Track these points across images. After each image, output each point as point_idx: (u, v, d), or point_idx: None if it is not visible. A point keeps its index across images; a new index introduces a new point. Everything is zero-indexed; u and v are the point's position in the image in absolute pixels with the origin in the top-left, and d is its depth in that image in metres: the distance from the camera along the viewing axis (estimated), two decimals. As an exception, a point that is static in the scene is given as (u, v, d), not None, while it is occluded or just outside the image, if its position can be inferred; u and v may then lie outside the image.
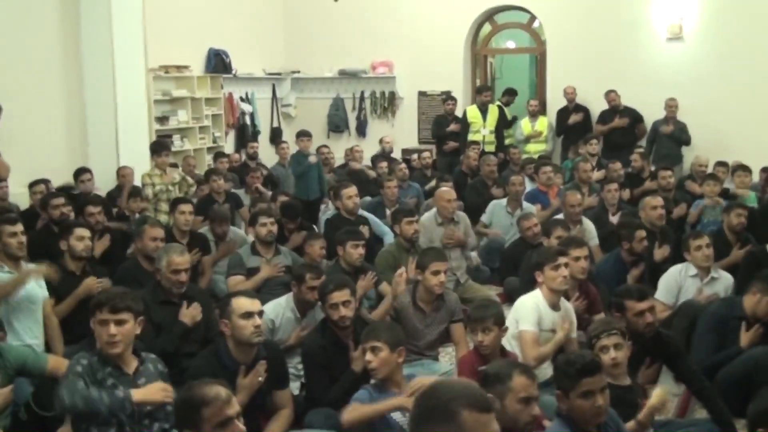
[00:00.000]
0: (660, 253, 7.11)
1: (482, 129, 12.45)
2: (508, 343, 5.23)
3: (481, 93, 12.74)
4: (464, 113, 12.68)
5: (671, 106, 11.81)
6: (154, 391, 4.00)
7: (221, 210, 8.23)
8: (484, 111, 12.53)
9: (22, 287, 5.52)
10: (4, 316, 5.37)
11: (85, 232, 6.30)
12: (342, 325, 4.96)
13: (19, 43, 9.96)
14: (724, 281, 6.40)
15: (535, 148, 12.54)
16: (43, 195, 8.67)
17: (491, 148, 12.19)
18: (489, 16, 13.92)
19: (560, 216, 8.23)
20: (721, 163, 10.40)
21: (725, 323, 5.28)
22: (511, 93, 13.89)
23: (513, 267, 7.64)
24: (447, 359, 6.20)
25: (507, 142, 13.12)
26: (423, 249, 6.44)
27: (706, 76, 12.04)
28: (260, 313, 4.54)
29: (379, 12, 13.66)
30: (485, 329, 4.72)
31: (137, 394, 3.93)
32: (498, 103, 13.45)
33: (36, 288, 5.69)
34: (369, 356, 4.23)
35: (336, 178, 10.83)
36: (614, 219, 8.69)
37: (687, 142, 11.88)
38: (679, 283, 6.31)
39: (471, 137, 12.32)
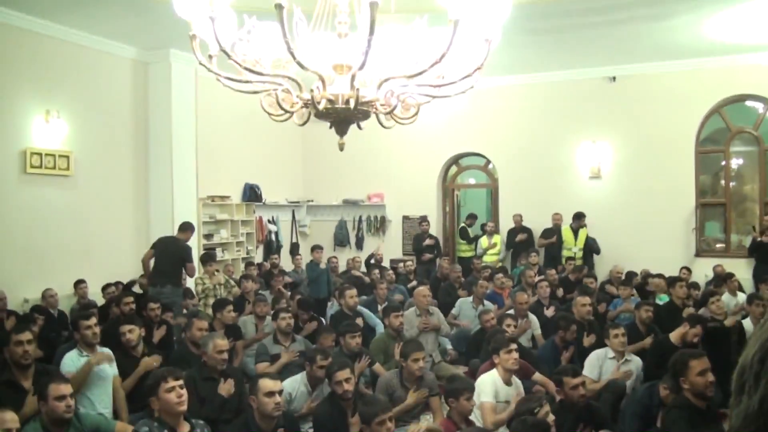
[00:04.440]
0: (587, 340, 7.09)
1: (573, 247, 12.05)
2: (472, 413, 5.19)
3: (579, 219, 12.06)
4: (560, 232, 12.16)
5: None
6: None
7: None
8: (576, 233, 12.11)
9: (90, 369, 5.48)
10: (81, 390, 5.31)
11: (128, 327, 6.16)
12: (345, 398, 4.93)
13: (102, 177, 10.14)
14: (635, 362, 6.38)
15: (490, 259, 12.62)
16: (114, 294, 8.68)
17: (580, 262, 11.64)
18: (455, 159, 14.20)
19: (511, 311, 8.24)
20: (632, 273, 10.51)
21: (649, 410, 5.25)
22: (473, 217, 14.08)
23: (476, 351, 7.60)
24: (425, 424, 6.11)
25: (469, 255, 13.23)
26: (405, 341, 6.41)
27: (617, 206, 12.28)
28: (280, 392, 4.52)
29: (374, 156, 13.91)
30: (470, 397, 4.77)
31: None
32: (483, 231, 13.61)
33: (107, 368, 5.65)
34: (389, 424, 4.28)
35: (341, 282, 10.83)
36: (548, 312, 8.73)
37: (598, 251, 12.00)
38: (600, 363, 6.30)
39: (565, 254, 12.01)
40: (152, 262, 8.93)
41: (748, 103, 11.93)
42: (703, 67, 11.54)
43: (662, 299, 9.16)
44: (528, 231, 12.75)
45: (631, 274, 10.38)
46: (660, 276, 9.68)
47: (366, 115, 3.85)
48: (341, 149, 3.88)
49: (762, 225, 11.11)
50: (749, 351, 0.64)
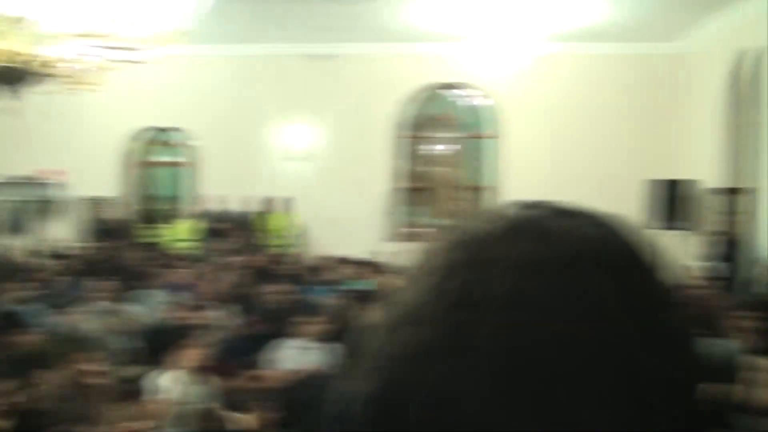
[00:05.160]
0: (276, 330, 7.02)
1: (274, 233, 11.87)
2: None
3: (272, 204, 12.13)
4: (260, 218, 12.07)
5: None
6: None
7: None
8: (275, 218, 12.06)
9: None
10: None
11: None
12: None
13: None
14: (326, 350, 6.39)
15: (181, 245, 12.12)
16: None
17: (283, 248, 11.53)
18: (147, 133, 13.54)
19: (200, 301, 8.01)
20: (333, 258, 10.82)
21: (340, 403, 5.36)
22: (164, 198, 13.63)
23: (161, 347, 7.23)
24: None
25: (157, 240, 12.66)
26: (79, 339, 5.91)
27: (324, 190, 12.51)
28: None
29: (50, 127, 12.37)
30: (149, 400, 4.46)
31: None
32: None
33: None
34: None
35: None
36: (242, 302, 8.65)
37: (302, 237, 12.24)
38: (289, 353, 6.17)
39: (265, 241, 11.75)
40: None
41: (453, 90, 12.88)
42: (409, 53, 12.21)
43: (358, 285, 9.56)
44: (227, 216, 12.51)
45: (332, 260, 10.67)
46: (352, 261, 10.09)
47: (41, 77, 3.39)
48: (13, 115, 3.40)
49: (452, 209, 12.32)
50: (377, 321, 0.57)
